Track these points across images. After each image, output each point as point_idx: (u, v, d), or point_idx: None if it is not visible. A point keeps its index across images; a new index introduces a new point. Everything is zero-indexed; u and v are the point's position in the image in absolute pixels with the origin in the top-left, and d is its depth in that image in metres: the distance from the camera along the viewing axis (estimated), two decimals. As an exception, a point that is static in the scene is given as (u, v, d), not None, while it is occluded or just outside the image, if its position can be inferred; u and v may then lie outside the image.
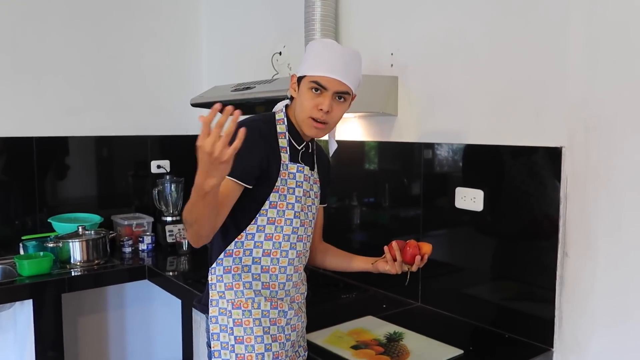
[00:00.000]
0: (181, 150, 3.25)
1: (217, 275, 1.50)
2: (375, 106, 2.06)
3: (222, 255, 1.49)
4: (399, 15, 2.09)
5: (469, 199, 1.85)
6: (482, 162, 1.85)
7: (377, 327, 1.80)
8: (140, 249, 2.81)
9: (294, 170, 1.49)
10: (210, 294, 1.51)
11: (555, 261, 1.62)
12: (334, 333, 1.76)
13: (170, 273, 2.50)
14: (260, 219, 1.45)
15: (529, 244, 1.71)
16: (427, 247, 1.54)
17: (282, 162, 1.47)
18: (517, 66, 1.71)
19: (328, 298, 2.10)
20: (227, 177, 1.33)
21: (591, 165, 1.54)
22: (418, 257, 1.52)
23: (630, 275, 1.47)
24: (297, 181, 1.50)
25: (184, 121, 3.25)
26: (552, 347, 1.64)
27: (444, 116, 1.95)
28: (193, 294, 2.19)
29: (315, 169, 1.58)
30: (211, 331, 1.50)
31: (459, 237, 1.95)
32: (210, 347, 1.50)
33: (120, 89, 3.05)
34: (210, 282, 1.52)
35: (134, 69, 3.09)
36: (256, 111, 2.37)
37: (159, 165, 3.14)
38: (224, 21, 3.16)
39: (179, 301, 2.78)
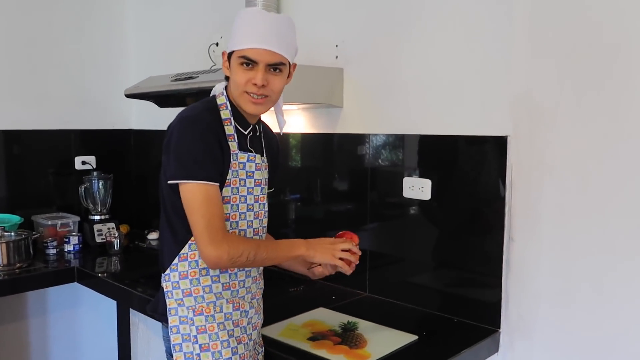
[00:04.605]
0: (108, 146, 3.07)
1: (173, 282, 1.41)
2: (320, 98, 2.05)
3: (176, 260, 1.41)
4: (343, 6, 2.09)
5: (417, 188, 1.89)
6: (429, 152, 1.89)
7: (330, 318, 1.80)
8: (65, 250, 2.62)
9: (245, 160, 1.42)
10: (168, 303, 1.41)
11: (502, 245, 1.69)
12: (288, 326, 1.73)
13: (101, 275, 2.35)
14: None
15: (476, 229, 1.77)
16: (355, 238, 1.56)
17: (231, 151, 1.39)
18: (463, 57, 1.76)
19: (276, 292, 2.05)
20: (205, 182, 1.32)
21: (535, 153, 1.62)
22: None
23: (573, 257, 1.56)
24: (247, 171, 1.43)
25: (111, 114, 3.08)
26: (500, 328, 1.71)
27: (390, 107, 1.97)
28: (130, 293, 2.08)
29: (264, 154, 1.52)
30: (172, 342, 1.40)
31: (408, 227, 1.98)
32: (173, 358, 1.41)
33: (39, 79, 2.82)
34: (165, 289, 1.42)
35: (53, 57, 2.86)
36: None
37: (84, 162, 2.94)
38: (154, 9, 3.02)
39: (111, 304, 2.62)
